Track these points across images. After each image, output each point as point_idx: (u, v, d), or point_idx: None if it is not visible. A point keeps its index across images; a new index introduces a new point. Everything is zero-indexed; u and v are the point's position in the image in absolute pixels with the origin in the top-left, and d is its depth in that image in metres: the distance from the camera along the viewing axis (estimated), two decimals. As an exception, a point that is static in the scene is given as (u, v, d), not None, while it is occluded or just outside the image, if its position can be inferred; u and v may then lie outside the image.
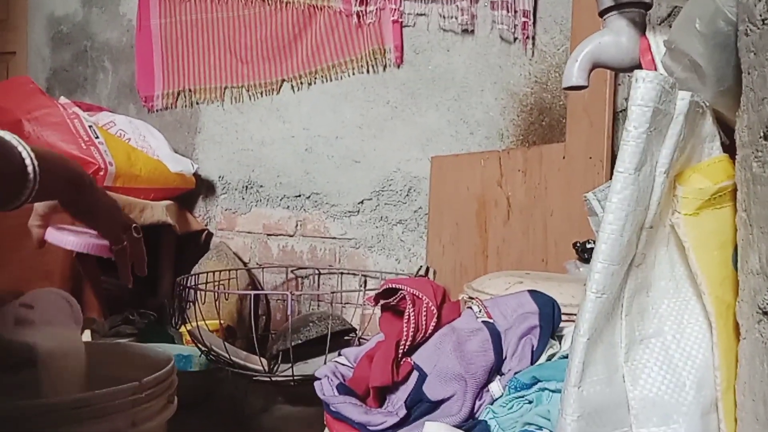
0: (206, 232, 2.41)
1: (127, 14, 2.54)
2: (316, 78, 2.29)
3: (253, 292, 1.76)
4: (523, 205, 1.95)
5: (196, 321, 1.63)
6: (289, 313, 1.54)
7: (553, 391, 0.76)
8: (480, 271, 1.99)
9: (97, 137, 1.93)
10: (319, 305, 2.26)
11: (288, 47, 2.30)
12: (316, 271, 2.28)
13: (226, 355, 1.57)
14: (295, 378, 1.53)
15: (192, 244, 2.36)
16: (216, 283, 1.97)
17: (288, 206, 2.33)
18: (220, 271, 2.04)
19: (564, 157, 1.88)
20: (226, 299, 1.98)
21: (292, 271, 2.30)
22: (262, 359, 1.66)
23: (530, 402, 0.78)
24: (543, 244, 1.90)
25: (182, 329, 1.83)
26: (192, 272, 2.06)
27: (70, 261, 1.67)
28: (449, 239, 2.09)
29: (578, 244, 1.63)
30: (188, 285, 1.73)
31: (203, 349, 1.61)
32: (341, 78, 2.27)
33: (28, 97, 1.96)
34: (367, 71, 2.24)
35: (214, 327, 1.83)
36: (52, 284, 1.63)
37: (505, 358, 0.87)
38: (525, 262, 1.92)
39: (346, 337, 1.82)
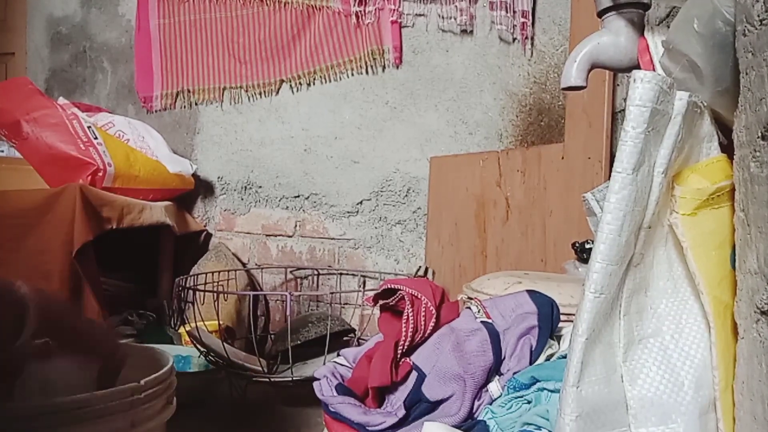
0: (205, 232, 2.40)
1: (126, 15, 2.54)
2: (315, 78, 2.29)
3: (252, 293, 1.76)
4: (521, 206, 1.95)
5: (195, 322, 1.63)
6: (287, 313, 1.54)
7: (551, 391, 0.76)
8: (479, 271, 1.99)
9: (95, 138, 1.93)
10: (318, 306, 2.26)
11: (287, 48, 2.30)
12: (315, 272, 2.28)
13: (225, 356, 1.57)
14: (294, 379, 1.53)
15: (191, 245, 2.36)
16: (215, 284, 1.97)
17: (287, 207, 2.33)
18: (219, 272, 2.04)
19: (563, 158, 1.88)
20: (225, 300, 1.97)
21: (291, 272, 2.30)
22: (261, 360, 1.66)
23: (529, 402, 0.78)
24: (542, 244, 1.90)
25: (181, 330, 1.83)
26: (191, 273, 2.06)
27: (69, 261, 1.67)
28: (448, 239, 2.09)
29: (577, 245, 1.64)
30: (187, 286, 1.73)
31: (202, 350, 1.61)
32: (340, 78, 2.27)
33: (26, 98, 1.96)
34: (366, 72, 2.24)
35: (213, 328, 1.83)
36: (51, 284, 1.63)
37: (504, 358, 0.87)
38: (524, 262, 1.92)
39: (345, 338, 1.82)
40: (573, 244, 1.66)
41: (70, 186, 1.72)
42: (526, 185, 1.94)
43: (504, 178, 1.98)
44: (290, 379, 1.53)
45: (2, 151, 2.03)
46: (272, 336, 2.03)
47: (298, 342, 1.61)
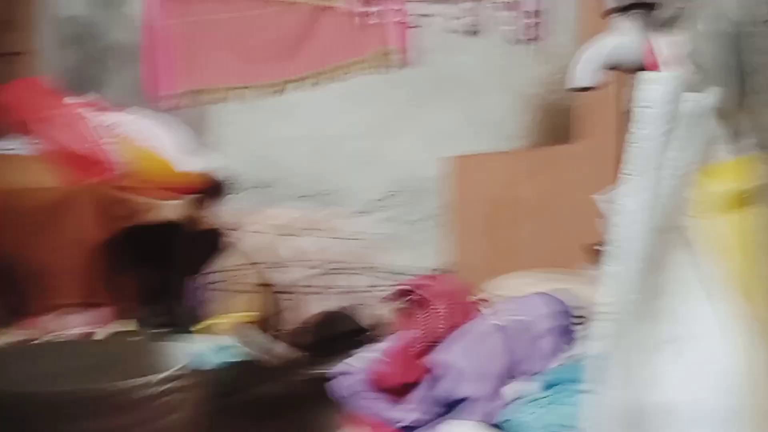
0: (219, 230, 2.39)
1: (138, 14, 2.53)
2: (327, 78, 2.27)
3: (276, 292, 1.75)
4: (540, 205, 1.94)
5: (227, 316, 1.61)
6: (317, 309, 1.54)
7: (572, 393, 0.76)
8: (496, 271, 1.96)
9: (108, 136, 1.93)
10: (339, 302, 2.24)
11: (295, 47, 2.29)
12: (332, 270, 2.27)
13: (262, 349, 1.56)
14: (323, 373, 1.52)
15: (203, 243, 2.35)
16: (237, 279, 1.98)
17: (301, 205, 2.32)
18: (245, 266, 2.04)
19: (580, 157, 1.87)
20: (256, 293, 1.97)
21: (309, 269, 2.28)
22: (295, 352, 1.66)
23: (550, 404, 0.79)
24: (561, 244, 1.87)
25: (209, 322, 1.83)
26: (216, 270, 2.07)
27: (87, 257, 1.69)
28: (466, 239, 2.07)
29: (596, 246, 1.62)
30: (218, 280, 1.72)
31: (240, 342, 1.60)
32: (353, 78, 2.22)
33: (38, 98, 1.96)
34: (381, 72, 2.19)
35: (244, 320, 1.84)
36: (72, 280, 1.68)
37: (523, 359, 0.88)
38: (542, 262, 1.87)
39: (367, 334, 1.81)
40: (592, 246, 1.65)
41: (85, 184, 1.75)
42: (545, 185, 1.93)
43: (523, 178, 1.97)
44: (321, 374, 1.53)
45: (16, 149, 2.03)
46: (299, 330, 2.02)
47: (329, 336, 1.60)
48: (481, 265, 2.02)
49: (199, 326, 1.85)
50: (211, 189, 2.29)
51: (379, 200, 2.22)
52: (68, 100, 2.09)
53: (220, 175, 2.35)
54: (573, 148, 1.88)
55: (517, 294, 1.12)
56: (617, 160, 1.72)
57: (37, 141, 1.86)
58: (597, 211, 1.29)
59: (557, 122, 2.07)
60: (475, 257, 2.04)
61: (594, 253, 1.59)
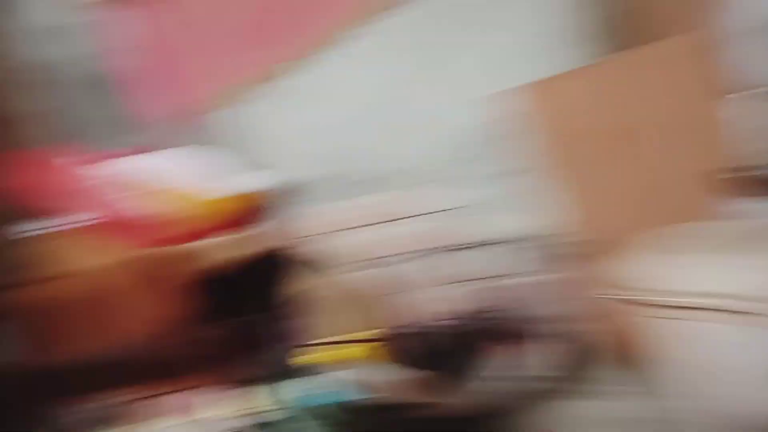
0: (293, 245, 2.11)
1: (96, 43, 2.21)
2: (336, 41, 2.01)
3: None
4: (648, 126, 1.63)
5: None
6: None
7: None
8: (624, 220, 1.65)
9: (127, 192, 1.72)
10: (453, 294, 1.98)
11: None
12: (434, 254, 1.99)
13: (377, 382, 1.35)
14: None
15: (279, 270, 2.09)
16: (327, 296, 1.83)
17: (367, 194, 2.07)
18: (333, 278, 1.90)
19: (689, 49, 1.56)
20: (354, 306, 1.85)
21: (407, 260, 2.01)
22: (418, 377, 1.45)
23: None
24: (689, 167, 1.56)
25: (312, 357, 1.71)
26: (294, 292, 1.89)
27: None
28: (569, 186, 1.77)
29: (739, 169, 1.30)
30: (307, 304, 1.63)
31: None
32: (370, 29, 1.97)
33: (41, 172, 1.73)
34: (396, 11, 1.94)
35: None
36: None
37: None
38: (671, 197, 1.60)
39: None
40: (733, 169, 1.33)
41: (127, 257, 1.60)
42: (650, 98, 1.61)
43: (619, 95, 1.66)
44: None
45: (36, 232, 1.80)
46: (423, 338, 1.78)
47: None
48: (601, 216, 1.72)
49: (300, 365, 1.71)
50: (268, 206, 2.03)
51: (452, 163, 1.99)
52: (64, 162, 1.84)
53: (273, 188, 2.07)
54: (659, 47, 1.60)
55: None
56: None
57: (58, 221, 1.67)
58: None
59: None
60: (591, 207, 1.74)
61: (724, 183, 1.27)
